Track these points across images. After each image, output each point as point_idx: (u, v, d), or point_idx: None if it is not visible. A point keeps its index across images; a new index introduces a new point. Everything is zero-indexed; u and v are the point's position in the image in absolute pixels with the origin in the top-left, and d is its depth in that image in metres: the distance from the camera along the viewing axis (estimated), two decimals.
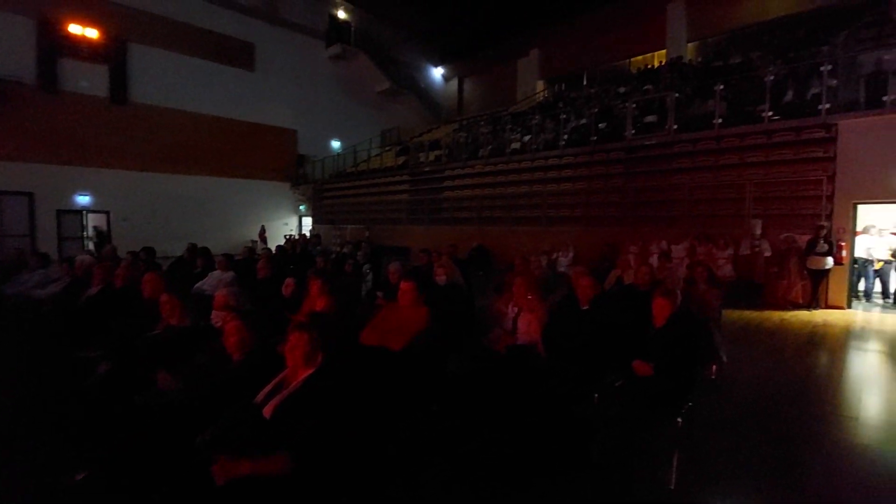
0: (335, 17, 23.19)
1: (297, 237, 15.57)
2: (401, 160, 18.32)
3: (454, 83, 26.55)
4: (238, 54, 20.04)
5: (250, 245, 13.00)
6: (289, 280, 4.43)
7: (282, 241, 13.31)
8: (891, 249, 8.18)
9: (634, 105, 11.06)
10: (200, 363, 2.84)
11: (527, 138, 13.60)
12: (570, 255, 9.77)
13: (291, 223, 21.86)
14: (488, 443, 3.01)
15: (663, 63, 16.10)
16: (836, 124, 7.89)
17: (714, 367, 4.67)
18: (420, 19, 25.14)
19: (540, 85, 21.30)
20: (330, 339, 2.91)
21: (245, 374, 2.43)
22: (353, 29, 23.24)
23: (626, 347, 3.53)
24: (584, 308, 3.90)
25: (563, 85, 20.55)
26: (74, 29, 15.87)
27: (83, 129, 16.07)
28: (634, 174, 10.50)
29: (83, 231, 16.65)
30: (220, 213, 19.07)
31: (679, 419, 3.26)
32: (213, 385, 2.46)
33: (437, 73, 26.78)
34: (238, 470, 1.77)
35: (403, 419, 3.06)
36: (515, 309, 4.01)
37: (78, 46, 16.00)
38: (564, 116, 12.95)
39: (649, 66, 16.80)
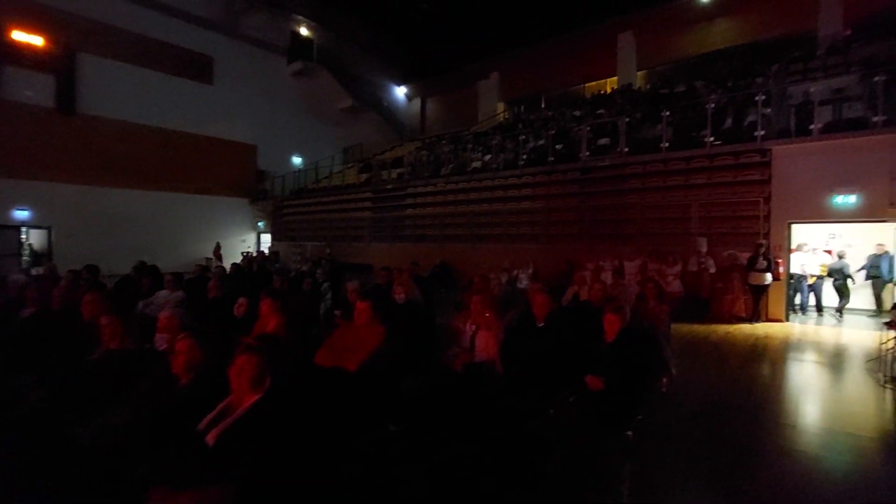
0: (297, 34, 23.13)
1: (254, 254, 15.14)
2: (363, 177, 18.28)
3: (417, 102, 26.89)
4: (196, 67, 19.57)
5: (204, 263, 12.54)
6: (241, 300, 4.29)
7: (239, 259, 12.92)
8: (822, 266, 8.83)
9: (589, 128, 11.57)
10: (144, 389, 2.70)
11: (487, 158, 13.91)
12: (530, 272, 9.95)
13: (249, 240, 21.25)
14: (457, 455, 3.00)
15: (615, 89, 16.99)
16: (770, 150, 8.52)
17: (665, 379, 4.86)
18: (383, 40, 25.53)
19: (500, 106, 21.90)
20: (282, 362, 2.85)
21: (193, 398, 2.32)
22: (315, 46, 23.23)
23: (579, 363, 3.63)
24: (540, 325, 3.99)
25: (522, 107, 21.25)
26: (18, 36, 15.09)
27: (26, 139, 15.15)
28: (590, 194, 10.90)
29: (21, 248, 15.56)
30: (174, 229, 18.31)
31: (630, 432, 3.36)
32: (156, 412, 2.34)
33: (401, 91, 27.06)
34: (177, 503, 1.68)
35: (358, 441, 3.00)
36: (473, 327, 4.05)
37: (22, 54, 15.20)
38: (523, 137, 13.35)
39: (602, 92, 17.69)
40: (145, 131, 17.90)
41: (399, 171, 16.74)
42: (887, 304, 8.39)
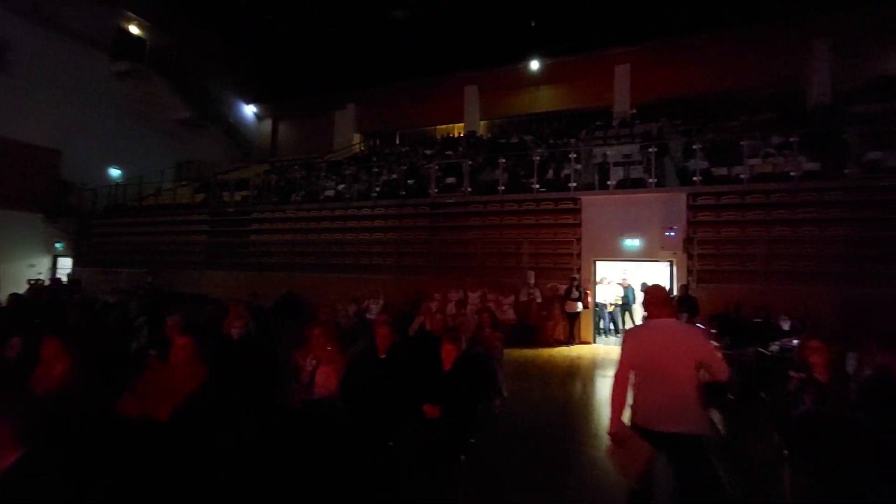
0: (125, 31, 20.28)
1: (46, 283, 12.34)
2: (200, 198, 16.50)
3: (268, 123, 25.54)
4: None
5: None
6: (14, 339, 3.46)
7: (24, 288, 10.39)
8: (618, 296, 10.73)
9: (438, 167, 12.40)
10: None
11: (341, 187, 13.85)
12: (381, 303, 10.04)
13: (42, 265, 17.19)
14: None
15: (462, 134, 18.62)
16: (580, 198, 10.21)
17: (497, 402, 5.32)
18: (233, 54, 23.89)
19: (356, 137, 22.10)
20: (68, 414, 2.39)
21: None
22: (147, 47, 20.62)
23: (420, 393, 3.77)
24: (382, 357, 4.05)
25: (378, 140, 21.83)
26: None
27: None
28: (438, 228, 11.59)
29: None
30: None
31: (463, 457, 3.59)
32: None
33: (250, 110, 25.41)
34: None
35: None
36: (314, 361, 3.93)
37: None
38: (377, 170, 13.68)
39: (451, 135, 19.24)
40: None
41: (243, 193, 15.56)
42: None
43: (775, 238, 8.62)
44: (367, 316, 9.08)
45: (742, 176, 9.26)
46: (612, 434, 2.72)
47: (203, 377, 3.07)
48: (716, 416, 5.29)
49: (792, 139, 9.38)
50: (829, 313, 7.45)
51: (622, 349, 2.83)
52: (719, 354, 3.01)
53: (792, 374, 3.77)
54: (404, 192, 12.37)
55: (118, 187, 18.25)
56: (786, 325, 7.03)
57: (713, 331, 7.02)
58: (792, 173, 8.92)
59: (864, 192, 8.35)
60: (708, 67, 15.88)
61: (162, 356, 3.77)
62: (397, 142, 21.17)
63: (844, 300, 7.62)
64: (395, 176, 13.45)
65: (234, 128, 24.09)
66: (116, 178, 19.21)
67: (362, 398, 3.72)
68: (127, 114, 20.10)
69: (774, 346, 6.26)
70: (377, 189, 13.06)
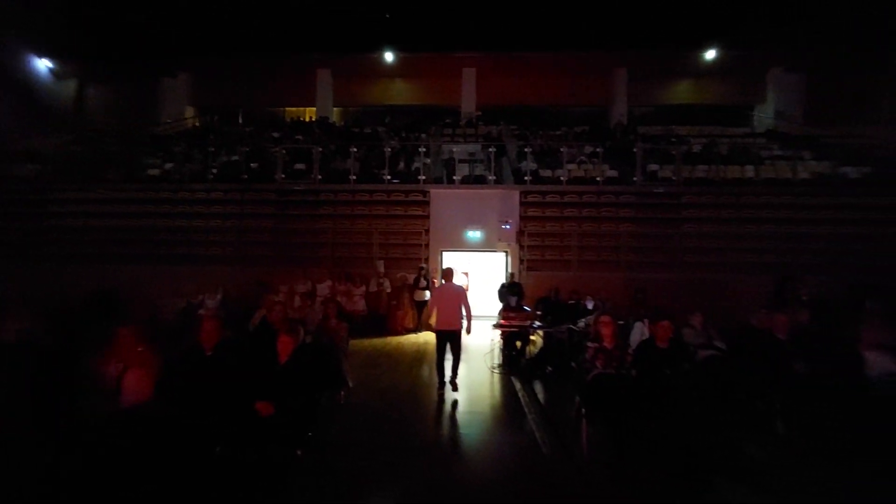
0: None
1: None
2: None
3: (72, 84, 20.86)
4: None
5: None
6: None
7: None
8: (463, 284, 11.56)
9: (285, 151, 11.73)
10: None
11: (169, 166, 12.19)
12: (219, 297, 9.18)
13: None
14: None
15: (313, 119, 17.85)
16: (429, 191, 10.73)
17: (342, 392, 5.36)
18: None
19: (189, 111, 19.54)
20: None
21: None
22: None
23: (252, 389, 3.60)
24: (208, 354, 3.78)
25: (216, 117, 19.65)
26: None
27: None
28: (285, 216, 11.04)
29: None
30: None
31: (299, 451, 3.55)
32: None
33: (44, 65, 20.41)
34: None
35: None
36: (120, 365, 3.47)
37: None
38: (214, 149, 12.37)
39: (301, 119, 18.27)
40: None
41: (36, 167, 12.66)
42: None
43: (584, 232, 10.26)
44: (201, 312, 8.25)
45: (562, 178, 10.76)
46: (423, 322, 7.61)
47: None
48: (538, 386, 6.16)
49: (599, 150, 11.21)
50: (620, 294, 9.14)
51: (432, 295, 7.20)
52: (469, 301, 5.81)
53: (588, 344, 4.57)
54: (247, 176, 11.45)
55: None
56: (590, 305, 8.40)
57: (538, 312, 8.06)
58: (598, 178, 10.70)
59: (645, 197, 10.45)
60: (538, 82, 17.91)
61: None
62: (240, 121, 19.32)
63: (630, 283, 9.45)
64: (236, 157, 12.31)
65: (25, 86, 19.15)
66: None
67: (183, 401, 3.43)
68: None
69: (581, 323, 7.43)
70: (214, 170, 11.84)
